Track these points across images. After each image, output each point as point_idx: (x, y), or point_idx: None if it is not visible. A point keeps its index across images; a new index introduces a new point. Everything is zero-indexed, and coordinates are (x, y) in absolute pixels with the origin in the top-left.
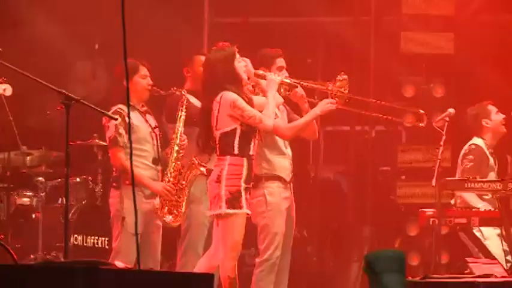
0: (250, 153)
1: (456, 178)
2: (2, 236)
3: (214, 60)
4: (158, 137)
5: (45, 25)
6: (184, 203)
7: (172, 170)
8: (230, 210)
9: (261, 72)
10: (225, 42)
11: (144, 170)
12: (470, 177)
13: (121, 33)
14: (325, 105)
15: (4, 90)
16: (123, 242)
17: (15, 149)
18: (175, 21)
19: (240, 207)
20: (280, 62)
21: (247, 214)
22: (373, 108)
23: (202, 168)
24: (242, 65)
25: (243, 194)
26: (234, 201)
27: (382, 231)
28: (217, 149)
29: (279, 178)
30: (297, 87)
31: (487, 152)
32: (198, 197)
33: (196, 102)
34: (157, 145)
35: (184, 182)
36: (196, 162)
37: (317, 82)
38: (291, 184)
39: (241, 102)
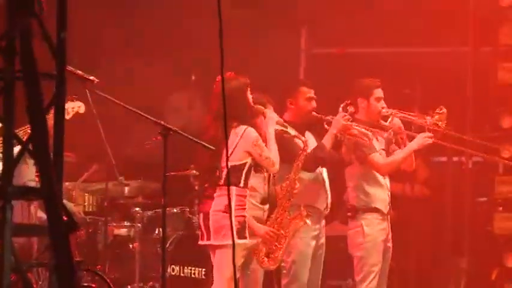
0: (249, 185)
1: None
2: (100, 267)
3: (230, 90)
4: (271, 176)
5: (142, 56)
6: (281, 251)
7: (280, 213)
8: (240, 240)
9: (260, 107)
10: (232, 72)
11: (251, 210)
12: None
13: (218, 64)
14: (422, 139)
15: (79, 107)
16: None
17: (112, 180)
18: (272, 51)
19: (245, 238)
20: (378, 92)
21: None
22: (469, 142)
23: (308, 221)
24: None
25: (247, 225)
26: (242, 231)
27: (479, 262)
28: (223, 179)
29: (377, 210)
30: (367, 135)
31: None
32: (304, 229)
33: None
34: (269, 184)
35: (287, 230)
36: (305, 213)
37: (415, 114)
38: (389, 216)
39: (261, 142)
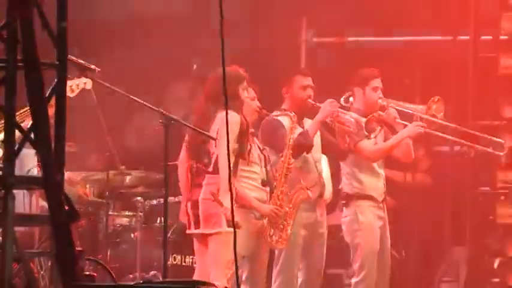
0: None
1: None
2: (101, 256)
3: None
4: (266, 159)
5: (142, 45)
6: (289, 227)
7: (279, 193)
8: (229, 228)
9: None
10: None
11: (253, 191)
12: None
13: (219, 53)
14: (413, 128)
15: (85, 83)
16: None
17: (113, 169)
18: (272, 41)
19: (220, 226)
20: (376, 82)
21: None
22: (468, 133)
23: (309, 192)
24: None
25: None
26: (230, 219)
27: (481, 252)
28: (212, 166)
29: (371, 197)
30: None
31: None
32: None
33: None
34: (266, 167)
35: (291, 205)
36: (304, 185)
37: (412, 108)
38: (384, 204)
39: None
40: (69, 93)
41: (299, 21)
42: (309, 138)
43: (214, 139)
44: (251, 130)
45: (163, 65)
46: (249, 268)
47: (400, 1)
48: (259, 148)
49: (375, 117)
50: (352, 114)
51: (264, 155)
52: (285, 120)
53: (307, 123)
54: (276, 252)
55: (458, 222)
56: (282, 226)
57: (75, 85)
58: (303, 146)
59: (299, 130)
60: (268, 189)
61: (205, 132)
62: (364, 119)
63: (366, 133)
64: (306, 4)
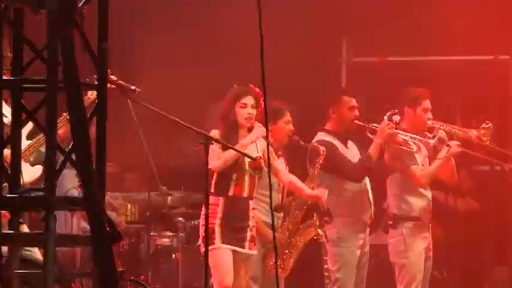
0: (230, 193)
1: None
2: (143, 277)
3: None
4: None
5: (184, 65)
6: (292, 260)
7: (291, 222)
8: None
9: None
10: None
11: (265, 215)
12: None
13: (259, 73)
14: (453, 148)
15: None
16: (239, 284)
17: (155, 190)
18: (312, 61)
19: (213, 243)
20: (426, 103)
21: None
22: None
23: (320, 232)
24: (242, 101)
25: (216, 230)
26: (208, 238)
27: None
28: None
29: (418, 218)
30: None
31: None
32: (349, 238)
33: (339, 145)
34: (283, 193)
35: (298, 239)
36: (317, 223)
37: (460, 128)
38: (430, 225)
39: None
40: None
41: (339, 41)
42: (373, 161)
43: (254, 159)
44: (278, 153)
45: (204, 85)
46: None
47: (440, 21)
48: None
49: (445, 138)
50: (412, 136)
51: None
52: (336, 142)
53: (350, 145)
54: (332, 273)
55: (501, 242)
56: (284, 256)
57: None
58: (367, 170)
59: (347, 152)
60: (281, 215)
61: (245, 152)
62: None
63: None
64: (347, 24)
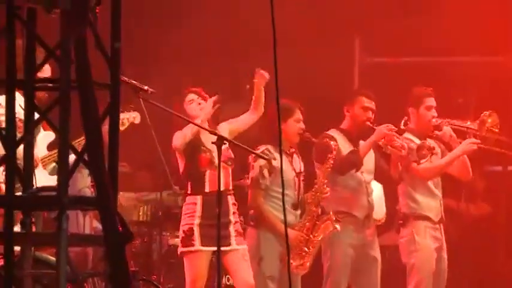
0: (206, 190)
1: None
2: (155, 277)
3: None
4: (301, 183)
5: (197, 65)
6: (311, 257)
7: (307, 221)
8: (183, 248)
9: None
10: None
11: (283, 213)
12: None
13: (273, 73)
14: (467, 145)
15: (134, 118)
16: (257, 284)
17: (167, 189)
18: (325, 60)
19: (191, 245)
20: (429, 101)
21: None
22: None
23: (337, 226)
24: (188, 98)
25: (195, 231)
26: (186, 240)
27: None
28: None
29: (427, 218)
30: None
31: None
32: (340, 238)
33: (344, 144)
34: (299, 190)
35: (316, 234)
36: (334, 218)
37: (466, 125)
38: (441, 225)
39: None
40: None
41: (352, 41)
42: (359, 156)
43: (266, 158)
44: (291, 150)
45: (217, 84)
46: None
47: (453, 22)
48: (294, 171)
49: (426, 144)
50: (407, 135)
51: (299, 179)
52: (339, 138)
53: (361, 145)
54: (324, 271)
55: None
56: (304, 253)
57: (126, 119)
58: (351, 163)
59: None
60: (299, 212)
61: (257, 152)
62: (417, 141)
63: (417, 158)
64: (360, 24)
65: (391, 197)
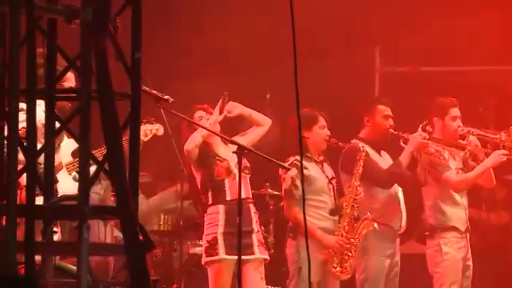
0: (228, 198)
1: None
2: (176, 286)
3: None
4: (335, 188)
5: (217, 74)
6: (353, 260)
7: (346, 224)
8: (208, 258)
9: None
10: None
11: (321, 221)
12: None
13: (293, 82)
14: (496, 157)
15: (157, 129)
16: None
17: (187, 199)
18: (345, 70)
19: (215, 254)
20: (454, 111)
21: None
22: None
23: (375, 225)
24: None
25: (219, 240)
26: (210, 249)
27: None
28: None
29: (455, 228)
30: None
31: None
32: (377, 247)
33: (372, 153)
34: (335, 196)
35: (356, 237)
36: (371, 217)
37: (491, 132)
38: (467, 234)
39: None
40: (142, 137)
41: (372, 50)
42: (403, 168)
43: (288, 168)
44: (321, 158)
45: (237, 93)
46: None
47: (473, 31)
48: (327, 177)
49: (471, 153)
50: (441, 147)
51: (332, 184)
52: (368, 149)
53: (383, 154)
54: (358, 283)
55: None
56: (346, 257)
57: (149, 130)
58: (396, 177)
59: (380, 160)
60: (337, 218)
61: (278, 162)
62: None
63: (473, 163)
64: (380, 33)
65: (410, 205)
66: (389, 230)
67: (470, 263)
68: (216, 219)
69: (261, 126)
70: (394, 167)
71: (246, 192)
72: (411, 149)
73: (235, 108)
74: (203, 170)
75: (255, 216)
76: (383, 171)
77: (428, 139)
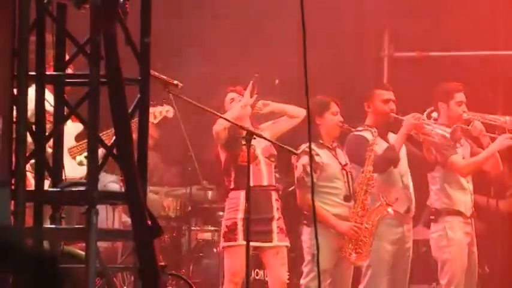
0: (250, 185)
1: None
2: (184, 271)
3: None
4: (349, 174)
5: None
6: (369, 245)
7: (359, 209)
8: (226, 243)
9: None
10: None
11: (335, 207)
12: None
13: (302, 69)
14: (502, 141)
15: (167, 111)
16: (312, 278)
17: (196, 184)
18: (354, 55)
19: (235, 239)
20: (459, 96)
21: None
22: None
23: (389, 209)
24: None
25: (239, 225)
26: (229, 234)
27: None
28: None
29: (460, 213)
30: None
31: None
32: (382, 233)
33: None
34: (349, 182)
35: (370, 223)
36: (385, 202)
37: (496, 118)
38: (473, 219)
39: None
40: (151, 120)
41: (381, 36)
42: (396, 152)
43: (296, 153)
44: (334, 144)
45: (246, 79)
46: (331, 282)
47: (481, 16)
48: (340, 164)
49: (460, 127)
50: (438, 127)
51: (346, 170)
52: (369, 135)
53: (391, 137)
54: (363, 268)
55: None
56: (361, 243)
57: (158, 112)
58: (390, 160)
59: (383, 145)
60: (352, 204)
61: (288, 147)
62: (449, 130)
63: (452, 142)
64: (388, 18)
65: (420, 189)
66: (393, 214)
67: (474, 249)
68: (236, 204)
69: (295, 118)
70: (387, 151)
71: (269, 179)
72: (405, 131)
73: (266, 106)
74: (228, 152)
75: (276, 204)
76: (376, 156)
77: (422, 119)
